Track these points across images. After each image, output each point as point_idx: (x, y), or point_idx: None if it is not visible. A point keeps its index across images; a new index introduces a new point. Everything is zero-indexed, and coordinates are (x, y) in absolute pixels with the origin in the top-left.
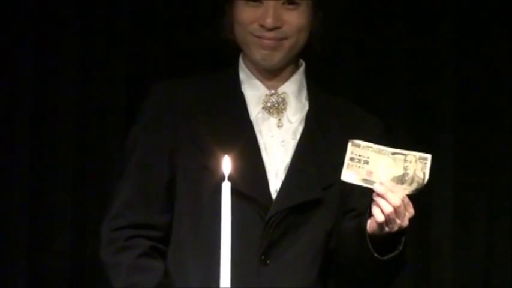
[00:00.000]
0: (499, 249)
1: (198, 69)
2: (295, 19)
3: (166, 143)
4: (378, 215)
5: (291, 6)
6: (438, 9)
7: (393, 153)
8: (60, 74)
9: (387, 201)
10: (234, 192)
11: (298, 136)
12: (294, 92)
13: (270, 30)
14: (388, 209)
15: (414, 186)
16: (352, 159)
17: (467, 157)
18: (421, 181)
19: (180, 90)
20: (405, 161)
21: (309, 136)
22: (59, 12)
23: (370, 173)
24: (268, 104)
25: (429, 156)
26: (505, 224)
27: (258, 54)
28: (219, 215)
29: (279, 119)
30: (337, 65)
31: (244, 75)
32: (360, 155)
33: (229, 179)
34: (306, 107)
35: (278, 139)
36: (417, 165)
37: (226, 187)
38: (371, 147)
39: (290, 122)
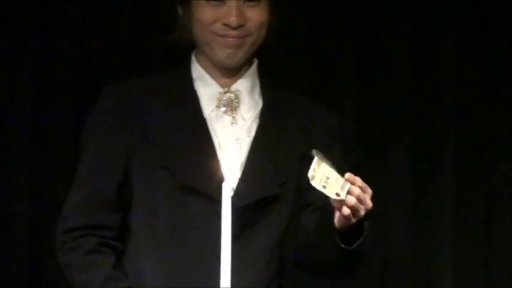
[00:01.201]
0: (499, 248)
1: (153, 70)
2: (257, 16)
3: (118, 145)
4: (344, 210)
5: (252, 3)
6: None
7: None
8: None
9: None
10: (191, 190)
11: (253, 133)
12: (247, 89)
13: (235, 28)
14: (351, 201)
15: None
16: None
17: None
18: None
19: (132, 91)
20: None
21: (264, 133)
22: None
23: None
24: (222, 102)
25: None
26: (505, 225)
27: (222, 53)
28: (177, 213)
29: (233, 117)
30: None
31: (197, 73)
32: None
33: (185, 177)
34: (260, 104)
35: (233, 137)
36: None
37: (226, 187)
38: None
39: (244, 119)
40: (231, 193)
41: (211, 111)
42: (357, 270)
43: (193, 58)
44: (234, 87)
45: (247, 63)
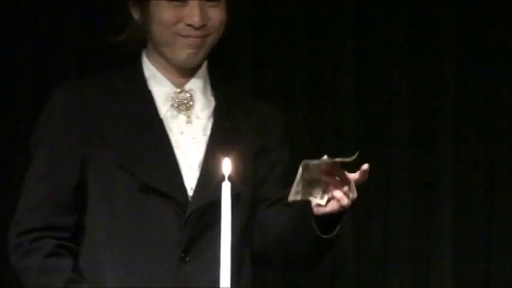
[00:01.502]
0: (499, 249)
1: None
2: (218, 15)
3: (73, 145)
4: (344, 201)
5: (213, 3)
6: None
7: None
8: None
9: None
10: (151, 190)
11: (208, 132)
12: (200, 88)
13: (197, 28)
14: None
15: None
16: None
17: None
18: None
19: (84, 91)
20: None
21: (219, 131)
22: None
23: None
24: (177, 101)
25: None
26: (506, 224)
27: (183, 54)
28: (137, 213)
29: (188, 116)
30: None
31: (150, 72)
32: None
33: (145, 178)
34: (213, 103)
35: (189, 136)
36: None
37: (226, 187)
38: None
39: (199, 118)
40: (190, 192)
41: (167, 111)
42: (322, 260)
43: (144, 58)
44: (187, 86)
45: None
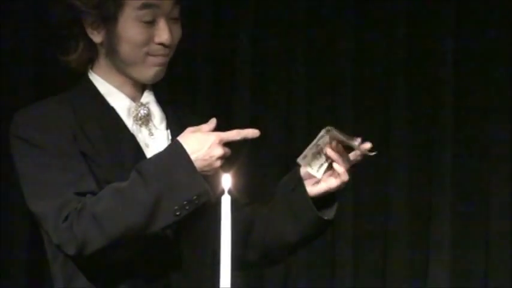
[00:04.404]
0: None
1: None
2: (178, 32)
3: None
4: (343, 176)
5: (175, 21)
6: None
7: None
8: None
9: (342, 160)
10: None
11: (169, 143)
12: (154, 100)
13: (167, 47)
14: (347, 165)
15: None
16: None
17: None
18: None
19: (49, 110)
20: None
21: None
22: None
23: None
24: (139, 115)
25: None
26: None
27: (152, 72)
28: None
29: (149, 129)
30: None
31: (105, 89)
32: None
33: None
34: (164, 115)
35: (154, 148)
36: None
37: (226, 200)
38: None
39: (158, 129)
40: None
41: (132, 125)
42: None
43: (94, 75)
44: (143, 99)
45: None
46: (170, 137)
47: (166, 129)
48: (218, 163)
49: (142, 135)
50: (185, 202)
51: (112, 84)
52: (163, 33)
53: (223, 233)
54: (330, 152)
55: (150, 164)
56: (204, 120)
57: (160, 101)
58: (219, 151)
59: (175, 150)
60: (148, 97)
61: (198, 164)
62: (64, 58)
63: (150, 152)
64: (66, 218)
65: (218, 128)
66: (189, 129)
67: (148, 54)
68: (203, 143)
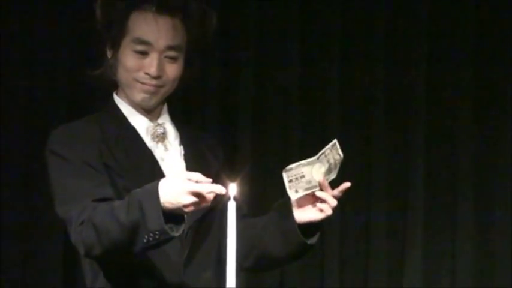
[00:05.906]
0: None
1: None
2: (173, 71)
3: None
4: (328, 211)
5: (171, 60)
6: None
7: (317, 157)
8: None
9: (330, 199)
10: None
11: (182, 158)
12: (169, 121)
13: (154, 78)
14: (334, 203)
15: (337, 167)
16: (290, 181)
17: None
18: (339, 160)
19: (80, 129)
20: (325, 155)
21: (192, 156)
22: None
23: (309, 181)
24: (156, 134)
25: (334, 140)
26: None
27: (139, 97)
28: None
29: (165, 145)
30: None
31: (127, 110)
32: (295, 175)
33: None
34: (178, 134)
35: (169, 161)
36: (332, 152)
37: (232, 206)
38: (301, 163)
39: (172, 145)
40: None
41: (149, 142)
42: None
43: (117, 98)
44: (160, 120)
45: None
46: (183, 152)
47: (180, 145)
48: (187, 209)
49: (159, 151)
50: (151, 234)
51: (131, 105)
52: (150, 65)
53: (229, 237)
54: (319, 193)
55: (137, 194)
56: (214, 138)
57: (175, 120)
58: (186, 199)
59: (152, 189)
60: (164, 118)
61: (166, 205)
62: (91, 73)
63: (165, 165)
64: (82, 222)
65: (223, 137)
66: (177, 173)
67: (136, 80)
68: (174, 189)
